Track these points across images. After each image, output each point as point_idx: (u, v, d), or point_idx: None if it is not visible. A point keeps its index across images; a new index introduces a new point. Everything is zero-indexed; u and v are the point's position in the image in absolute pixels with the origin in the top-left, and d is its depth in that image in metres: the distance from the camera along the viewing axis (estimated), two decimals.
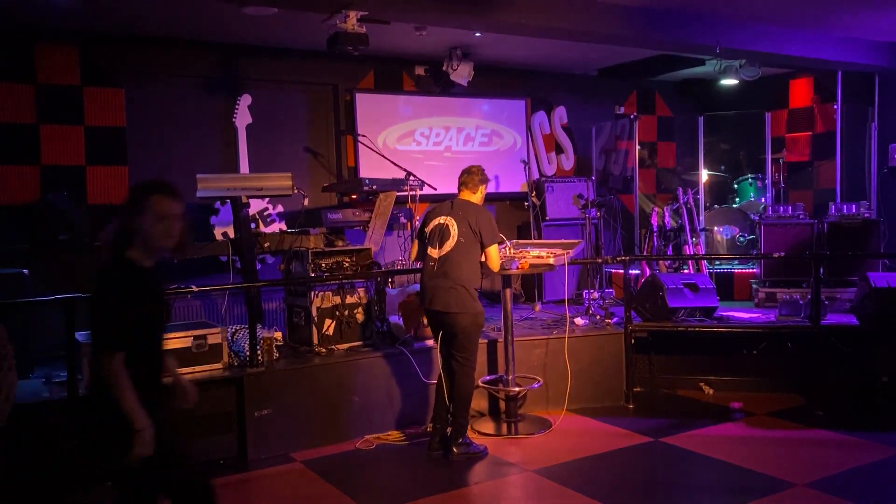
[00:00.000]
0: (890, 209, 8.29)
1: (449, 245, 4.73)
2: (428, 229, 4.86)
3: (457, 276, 4.70)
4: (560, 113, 9.30)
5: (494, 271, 4.89)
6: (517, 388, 5.39)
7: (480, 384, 5.48)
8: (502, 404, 5.52)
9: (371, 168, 7.63)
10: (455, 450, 4.77)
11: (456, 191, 5.00)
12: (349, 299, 5.61)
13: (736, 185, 9.19)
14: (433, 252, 4.78)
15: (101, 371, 2.65)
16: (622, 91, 9.69)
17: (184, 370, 4.81)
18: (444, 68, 7.97)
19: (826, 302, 6.26)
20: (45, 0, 5.58)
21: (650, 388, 6.25)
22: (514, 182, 8.75)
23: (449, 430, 4.83)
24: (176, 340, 4.88)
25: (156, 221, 2.67)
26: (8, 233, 6.14)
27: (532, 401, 5.71)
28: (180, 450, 2.95)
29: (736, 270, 7.86)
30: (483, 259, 4.82)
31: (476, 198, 4.92)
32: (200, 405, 4.79)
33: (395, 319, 5.78)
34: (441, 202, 5.01)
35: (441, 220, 4.83)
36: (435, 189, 7.04)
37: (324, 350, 5.42)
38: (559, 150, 9.34)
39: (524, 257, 5.15)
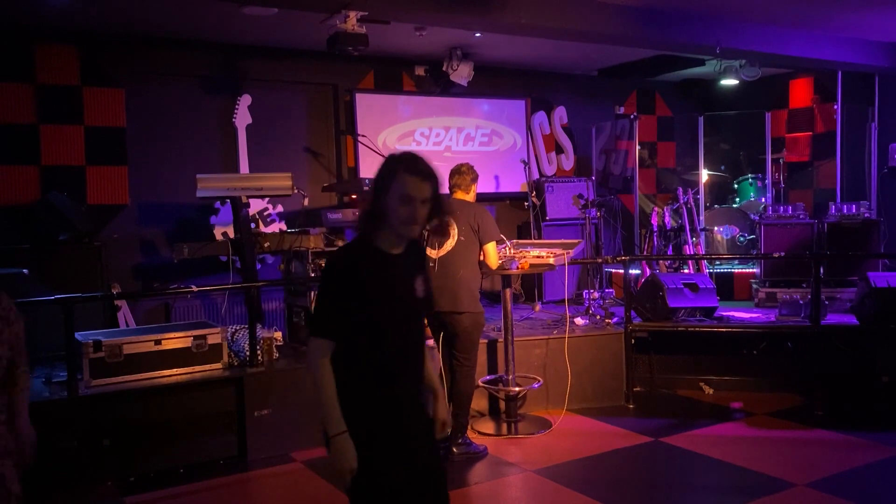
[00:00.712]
0: (890, 209, 8.29)
1: (449, 245, 4.73)
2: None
3: (459, 276, 4.70)
4: (560, 113, 9.30)
5: (492, 269, 4.89)
6: (517, 388, 5.39)
7: (480, 384, 5.48)
8: (502, 404, 5.52)
9: (371, 168, 7.60)
10: (455, 449, 4.76)
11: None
12: None
13: (736, 185, 9.19)
14: (432, 253, 4.76)
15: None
16: (622, 91, 9.68)
17: (183, 370, 4.86)
18: (444, 68, 7.97)
19: (826, 302, 6.26)
20: (44, 0, 5.57)
21: (650, 388, 6.25)
22: (514, 182, 8.75)
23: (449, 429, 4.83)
24: (176, 340, 4.89)
25: (398, 204, 2.27)
26: (8, 233, 6.14)
27: (532, 401, 5.71)
28: None
29: (736, 270, 7.86)
30: (481, 257, 4.82)
31: (470, 197, 4.93)
32: (200, 405, 4.85)
33: None
34: None
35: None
36: None
37: None
38: (559, 150, 9.34)
39: (524, 257, 5.15)
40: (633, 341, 6.01)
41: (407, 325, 2.35)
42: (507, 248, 5.34)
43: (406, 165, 2.30)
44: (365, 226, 2.34)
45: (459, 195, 4.91)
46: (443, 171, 9.12)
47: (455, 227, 4.74)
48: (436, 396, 2.52)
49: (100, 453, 4.48)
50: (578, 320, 6.32)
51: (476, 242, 4.76)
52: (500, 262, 4.98)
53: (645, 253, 7.89)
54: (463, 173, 4.93)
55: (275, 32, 6.81)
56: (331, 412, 2.20)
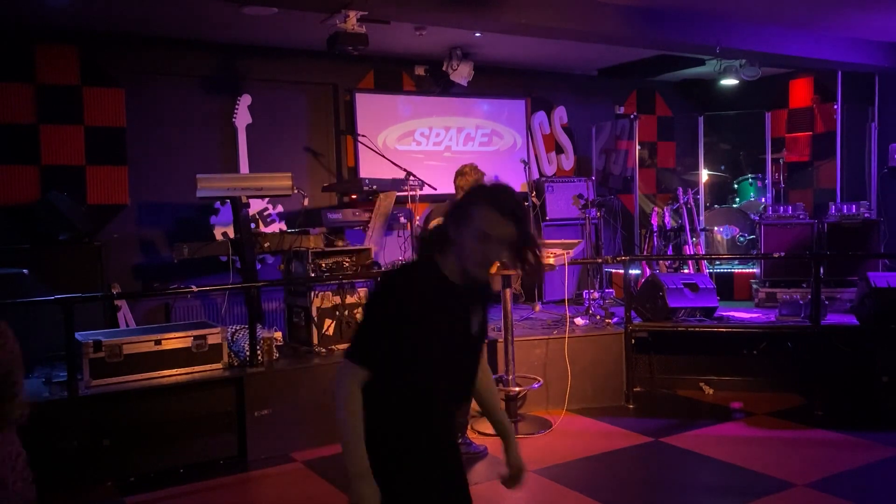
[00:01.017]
0: (890, 209, 8.29)
1: None
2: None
3: None
4: (560, 113, 9.30)
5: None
6: (517, 388, 5.39)
7: None
8: (502, 404, 5.52)
9: (371, 168, 7.62)
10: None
11: (449, 191, 5.01)
12: (349, 299, 5.61)
13: (736, 185, 9.19)
14: None
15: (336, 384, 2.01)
16: (622, 91, 9.68)
17: (184, 370, 4.86)
18: (444, 68, 7.97)
19: (826, 302, 6.25)
20: (44, 0, 5.57)
21: (650, 388, 6.24)
22: (514, 182, 8.58)
23: None
24: (176, 340, 4.89)
25: (475, 240, 1.98)
26: (8, 233, 6.14)
27: (532, 401, 5.70)
28: None
29: (736, 270, 7.86)
30: None
31: None
32: (200, 405, 4.85)
33: None
34: (440, 203, 5.00)
35: (440, 220, 4.83)
36: (435, 189, 7.03)
37: (324, 350, 5.42)
38: (559, 150, 9.34)
39: None
40: (633, 341, 6.01)
41: (460, 362, 2.11)
42: None
43: (491, 199, 2.01)
44: (430, 248, 2.08)
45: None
46: (442, 171, 9.09)
47: None
48: (508, 441, 2.33)
49: (100, 453, 4.48)
50: (578, 320, 6.32)
51: None
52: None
53: (645, 253, 7.89)
54: (465, 174, 4.94)
55: (275, 32, 6.81)
56: (354, 449, 2.01)
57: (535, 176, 8.82)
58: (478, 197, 2.04)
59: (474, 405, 2.41)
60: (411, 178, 6.77)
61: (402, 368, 1.99)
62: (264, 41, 7.18)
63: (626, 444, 5.05)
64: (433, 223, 1.94)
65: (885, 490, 4.25)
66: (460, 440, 4.79)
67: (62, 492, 4.33)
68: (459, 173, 4.95)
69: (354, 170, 7.87)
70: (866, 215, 7.19)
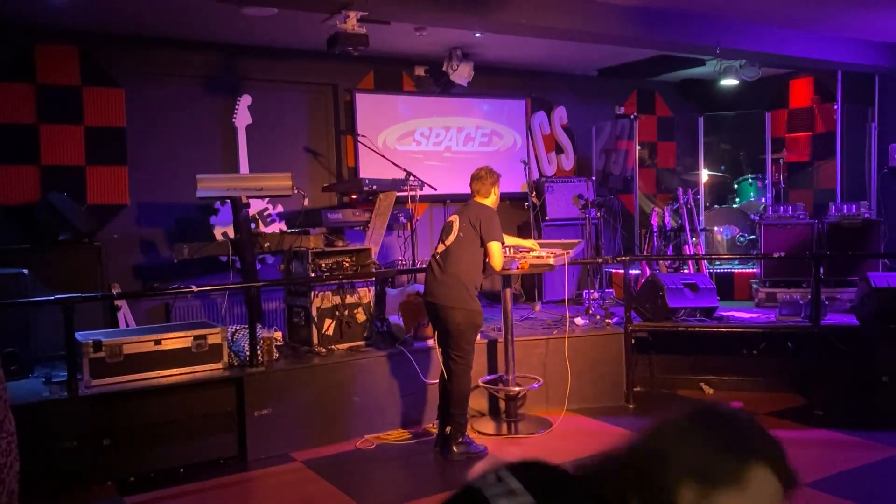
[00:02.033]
0: (890, 209, 8.29)
1: (450, 240, 4.77)
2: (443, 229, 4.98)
3: (454, 270, 4.70)
4: (560, 113, 9.30)
5: (497, 269, 4.88)
6: (517, 388, 5.39)
7: (480, 384, 5.49)
8: (502, 404, 5.52)
9: (371, 168, 7.62)
10: (455, 449, 4.76)
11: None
12: (349, 299, 5.61)
13: (736, 185, 9.19)
14: (438, 248, 4.86)
15: None
16: (622, 91, 9.68)
17: (184, 370, 4.86)
18: (444, 68, 7.97)
19: (826, 302, 6.25)
20: (45, 0, 5.57)
21: (650, 388, 6.25)
22: (514, 182, 8.73)
23: (448, 429, 4.83)
24: (176, 340, 4.89)
25: None
26: (8, 233, 6.14)
27: (532, 401, 5.71)
28: None
29: (736, 270, 7.86)
30: (487, 258, 4.81)
31: (490, 201, 4.92)
32: (200, 405, 4.85)
33: (395, 319, 5.78)
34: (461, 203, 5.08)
35: (451, 218, 4.92)
36: (435, 189, 7.04)
37: (324, 350, 5.42)
38: (559, 150, 9.34)
39: (524, 257, 5.15)
40: (633, 341, 6.01)
41: None
42: (507, 249, 5.35)
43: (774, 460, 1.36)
44: (614, 488, 1.33)
45: (478, 199, 4.92)
46: (442, 171, 9.08)
47: (458, 223, 4.79)
48: None
49: (100, 453, 4.48)
50: (578, 320, 6.32)
51: (476, 240, 4.74)
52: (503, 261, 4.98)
53: (645, 253, 7.88)
54: (481, 178, 4.92)
55: (275, 32, 6.81)
56: None
57: (535, 176, 8.82)
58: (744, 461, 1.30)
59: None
60: (411, 178, 6.77)
61: None
62: (264, 41, 7.18)
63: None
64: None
65: (885, 490, 4.25)
66: (461, 439, 4.79)
67: (62, 492, 4.33)
68: (476, 178, 4.93)
69: (354, 170, 7.87)
70: (866, 215, 7.18)
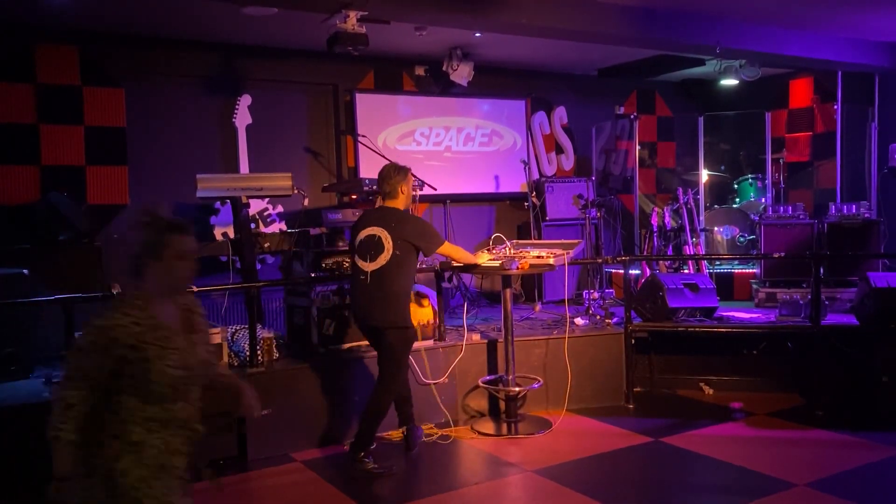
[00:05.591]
0: (890, 209, 8.28)
1: (384, 258, 4.46)
2: (358, 240, 4.59)
3: (393, 289, 4.47)
4: (560, 113, 9.30)
5: (464, 262, 4.89)
6: (517, 388, 5.39)
7: (481, 384, 5.49)
8: (502, 404, 5.52)
9: (371, 168, 7.60)
10: (357, 465, 4.50)
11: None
12: (349, 299, 5.60)
13: (736, 185, 9.19)
14: (365, 265, 4.51)
15: None
16: (622, 91, 9.68)
17: None
18: (444, 68, 7.97)
19: (826, 302, 6.25)
20: (45, 0, 5.57)
21: (650, 388, 6.25)
22: (514, 182, 8.75)
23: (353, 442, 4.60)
24: None
25: None
26: (8, 233, 6.14)
27: (532, 401, 5.71)
28: None
29: (736, 270, 7.86)
30: (447, 259, 4.80)
31: (399, 202, 4.61)
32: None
33: None
34: (367, 210, 4.93)
35: (372, 230, 4.53)
36: (435, 189, 7.03)
37: (324, 350, 5.42)
38: (559, 150, 9.34)
39: (524, 257, 5.15)
40: (633, 341, 6.01)
41: None
42: (507, 249, 5.34)
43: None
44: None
45: (389, 203, 4.62)
46: (442, 171, 9.07)
47: (389, 240, 4.45)
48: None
49: None
50: (578, 320, 6.32)
51: (413, 254, 4.53)
52: (491, 256, 4.97)
53: (645, 253, 7.88)
54: (387, 178, 4.59)
55: (275, 32, 6.81)
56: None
57: (535, 176, 8.82)
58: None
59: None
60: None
61: None
62: (264, 41, 7.18)
63: (626, 445, 5.05)
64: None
65: (886, 490, 4.25)
66: (362, 455, 4.53)
67: None
68: (383, 177, 4.62)
69: (354, 170, 7.87)
70: (866, 215, 7.18)
